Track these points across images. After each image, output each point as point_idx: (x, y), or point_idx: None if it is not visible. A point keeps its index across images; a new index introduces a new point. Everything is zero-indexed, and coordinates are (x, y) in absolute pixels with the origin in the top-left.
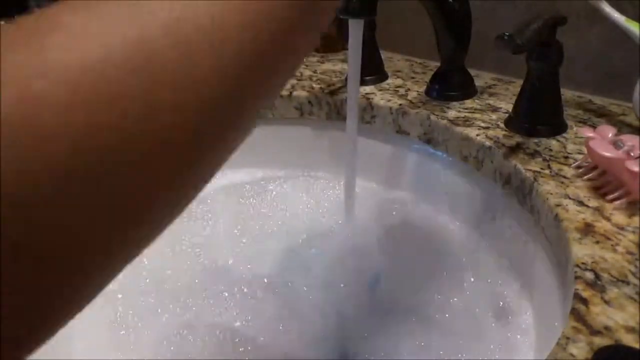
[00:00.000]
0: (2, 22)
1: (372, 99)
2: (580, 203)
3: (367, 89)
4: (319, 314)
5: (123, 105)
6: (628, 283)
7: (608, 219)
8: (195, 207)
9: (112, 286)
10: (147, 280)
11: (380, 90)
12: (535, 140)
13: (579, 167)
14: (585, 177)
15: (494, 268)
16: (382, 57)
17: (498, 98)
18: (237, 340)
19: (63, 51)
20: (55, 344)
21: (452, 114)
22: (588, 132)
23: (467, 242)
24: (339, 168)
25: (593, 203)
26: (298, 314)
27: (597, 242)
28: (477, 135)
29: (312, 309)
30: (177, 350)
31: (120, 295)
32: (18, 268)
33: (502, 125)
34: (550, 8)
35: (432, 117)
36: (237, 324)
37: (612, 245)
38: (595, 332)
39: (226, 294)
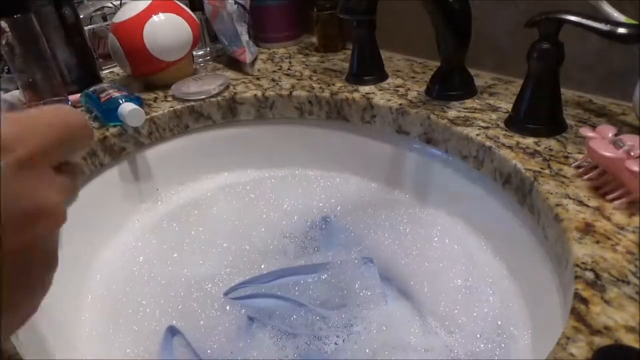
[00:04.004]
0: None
1: (372, 98)
2: (580, 203)
3: (367, 88)
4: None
5: None
6: (628, 283)
7: (608, 219)
8: (198, 206)
9: (116, 281)
10: (151, 274)
11: (381, 90)
12: (535, 139)
13: (579, 166)
14: (585, 176)
15: (494, 267)
16: (382, 57)
17: (498, 98)
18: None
19: None
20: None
21: (452, 113)
22: (588, 132)
23: (467, 241)
24: (338, 166)
25: (593, 203)
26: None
27: (597, 242)
28: (477, 134)
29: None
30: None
31: (126, 288)
32: None
33: (502, 124)
34: (550, 8)
35: (432, 116)
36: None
37: (612, 245)
38: (595, 331)
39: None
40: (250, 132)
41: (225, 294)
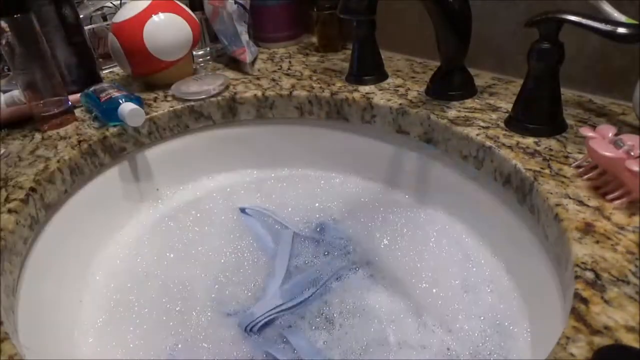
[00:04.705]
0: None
1: (372, 98)
2: (580, 202)
3: (367, 88)
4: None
5: None
6: (628, 283)
7: (608, 219)
8: (198, 206)
9: (116, 281)
10: (151, 274)
11: (381, 89)
12: (535, 139)
13: (579, 166)
14: (585, 176)
15: (494, 266)
16: (382, 56)
17: (498, 97)
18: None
19: None
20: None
21: (452, 113)
22: (588, 132)
23: (466, 241)
24: (338, 166)
25: (593, 202)
26: None
27: (597, 242)
28: (477, 134)
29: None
30: (177, 337)
31: (126, 288)
32: None
33: (502, 124)
34: (550, 8)
35: (432, 116)
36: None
37: (612, 244)
38: (595, 331)
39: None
40: (250, 132)
41: (246, 329)
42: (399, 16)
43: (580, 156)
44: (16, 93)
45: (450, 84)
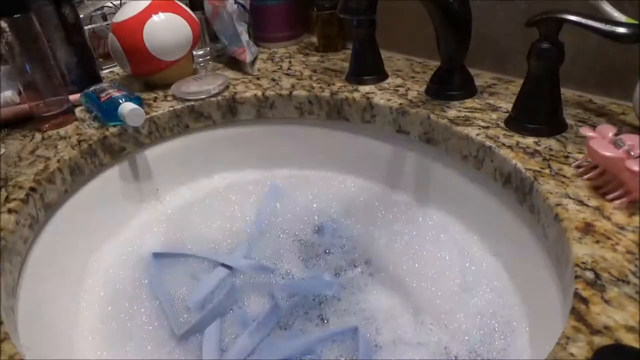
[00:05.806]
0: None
1: (372, 98)
2: (581, 202)
3: (367, 88)
4: None
5: None
6: (628, 282)
7: (608, 219)
8: (198, 206)
9: (115, 281)
10: (151, 274)
11: (381, 89)
12: (535, 139)
13: (579, 166)
14: (585, 176)
15: (494, 266)
16: (382, 56)
17: (498, 97)
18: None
19: None
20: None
21: (452, 113)
22: (588, 132)
23: (466, 240)
24: (338, 166)
25: (593, 202)
26: None
27: (597, 242)
28: (477, 134)
29: None
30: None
31: (126, 288)
32: None
33: (502, 124)
34: (550, 8)
35: (432, 116)
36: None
37: (612, 244)
38: (595, 331)
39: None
40: (250, 132)
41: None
42: (399, 16)
43: (580, 156)
44: (9, 94)
45: (450, 84)
